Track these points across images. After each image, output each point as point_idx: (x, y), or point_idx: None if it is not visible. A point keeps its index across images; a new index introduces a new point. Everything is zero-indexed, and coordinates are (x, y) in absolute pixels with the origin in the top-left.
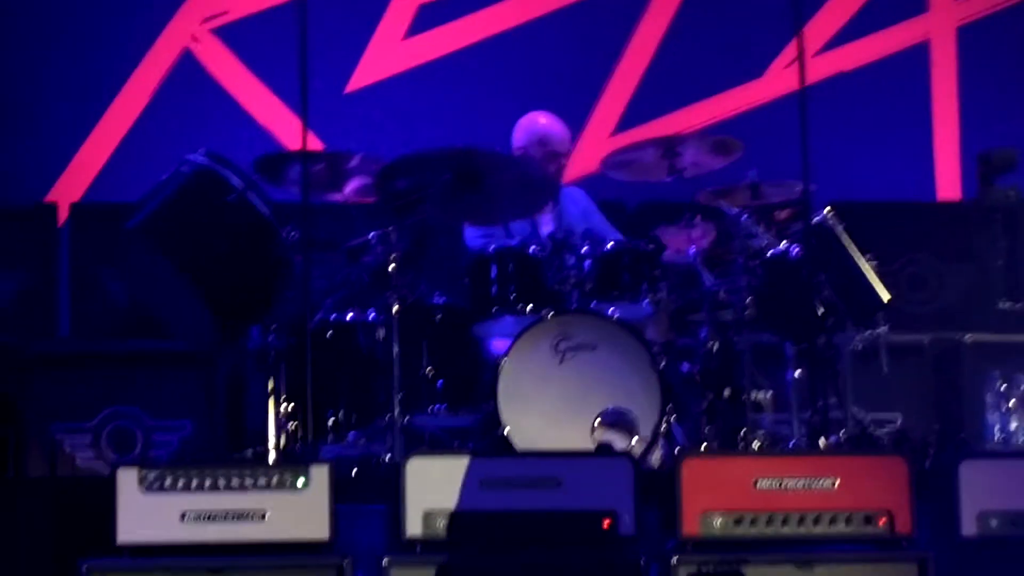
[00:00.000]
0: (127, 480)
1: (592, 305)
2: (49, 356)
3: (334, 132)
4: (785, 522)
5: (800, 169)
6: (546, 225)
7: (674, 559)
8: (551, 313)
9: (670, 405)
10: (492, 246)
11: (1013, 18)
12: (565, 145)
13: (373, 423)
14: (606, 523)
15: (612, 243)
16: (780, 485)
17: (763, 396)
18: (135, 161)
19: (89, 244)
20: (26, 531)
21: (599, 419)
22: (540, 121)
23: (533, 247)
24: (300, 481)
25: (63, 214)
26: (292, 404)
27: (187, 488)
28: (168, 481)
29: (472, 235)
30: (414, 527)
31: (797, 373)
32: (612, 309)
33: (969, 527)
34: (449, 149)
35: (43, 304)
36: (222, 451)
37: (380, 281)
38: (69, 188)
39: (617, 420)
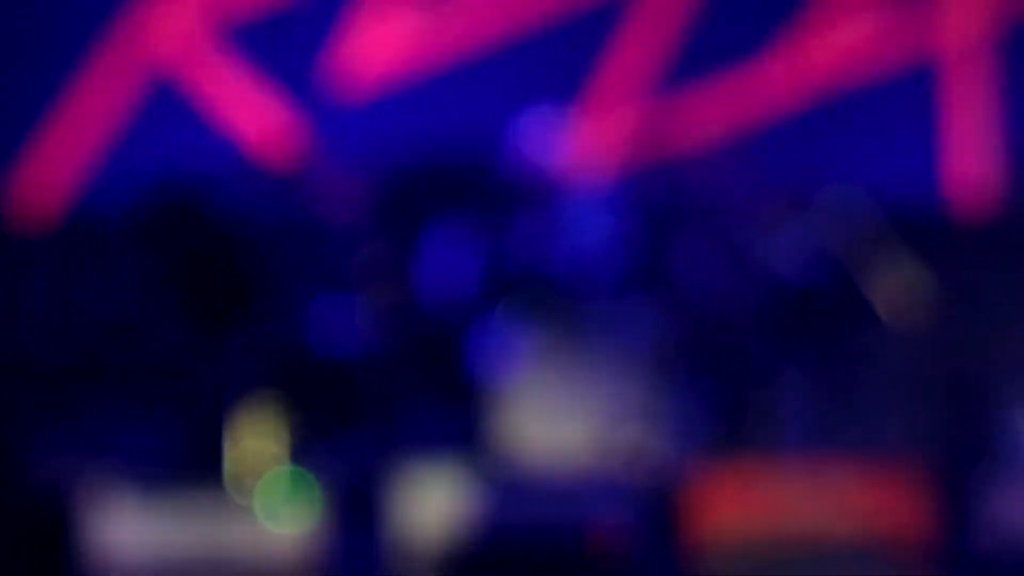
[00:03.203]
0: (107, 496)
1: (597, 309)
2: (24, 369)
3: (326, 143)
4: (798, 533)
5: (806, 172)
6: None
7: None
8: (551, 316)
9: (677, 411)
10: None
11: None
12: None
13: (365, 435)
14: (609, 536)
15: (614, 242)
16: (790, 495)
17: (773, 403)
18: (113, 171)
19: (65, 255)
20: (6, 547)
21: (603, 425)
22: (528, 131)
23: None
24: (289, 496)
25: (39, 224)
26: (278, 421)
27: (169, 504)
28: (149, 497)
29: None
30: (411, 542)
31: (806, 380)
32: (617, 310)
33: (987, 539)
34: (440, 159)
35: (17, 316)
36: (204, 466)
37: (371, 289)
38: (41, 199)
39: (624, 428)
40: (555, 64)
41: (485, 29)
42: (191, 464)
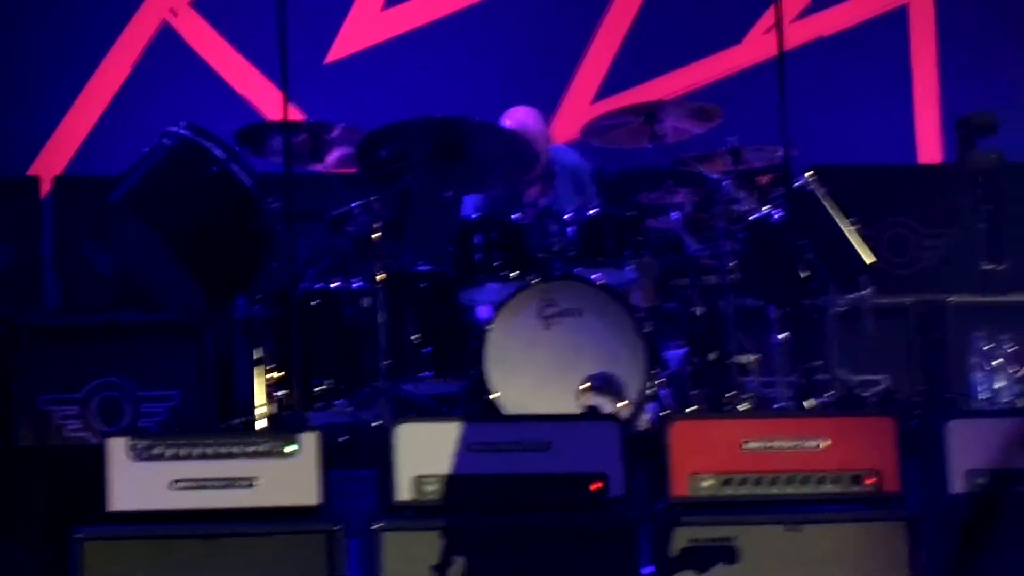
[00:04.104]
0: (117, 449)
1: (576, 271)
2: (36, 328)
3: (315, 103)
4: (773, 483)
5: (780, 134)
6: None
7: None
8: (536, 279)
9: (656, 368)
10: (476, 214)
11: None
12: (539, 143)
13: (361, 391)
14: (595, 485)
15: (595, 210)
16: (768, 446)
17: (749, 359)
18: (117, 134)
19: (73, 217)
20: (17, 500)
21: (586, 383)
22: (506, 124)
23: (516, 214)
24: (290, 448)
25: (46, 187)
26: (280, 373)
27: (177, 456)
28: (158, 450)
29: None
30: (405, 492)
31: (782, 336)
32: (596, 275)
33: (957, 485)
34: (430, 118)
35: (28, 277)
36: (211, 420)
37: (364, 250)
38: (51, 161)
39: (604, 384)
40: (541, 31)
41: None
42: (204, 416)
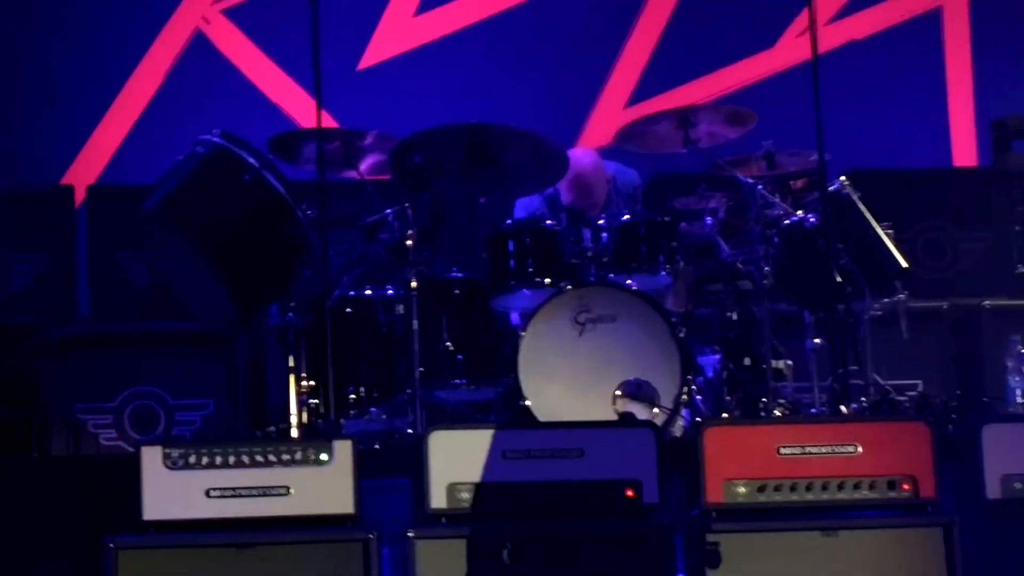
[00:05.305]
0: (152, 458)
1: (610, 277)
2: (70, 338)
3: (348, 110)
4: (809, 489)
5: (815, 138)
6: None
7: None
8: (569, 286)
9: (690, 374)
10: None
11: None
12: (599, 185)
13: (394, 398)
14: (629, 492)
15: (628, 215)
16: (803, 452)
17: (783, 364)
18: (150, 142)
19: (107, 226)
20: (52, 509)
21: (620, 390)
22: (574, 171)
23: (549, 220)
24: (324, 456)
25: (80, 196)
26: (313, 381)
27: (211, 465)
28: (192, 458)
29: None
30: (438, 500)
31: (817, 341)
32: (630, 281)
33: (993, 490)
34: (462, 124)
35: (62, 286)
36: (244, 429)
37: (397, 257)
38: (85, 170)
39: (638, 391)
40: (573, 36)
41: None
42: (238, 424)
